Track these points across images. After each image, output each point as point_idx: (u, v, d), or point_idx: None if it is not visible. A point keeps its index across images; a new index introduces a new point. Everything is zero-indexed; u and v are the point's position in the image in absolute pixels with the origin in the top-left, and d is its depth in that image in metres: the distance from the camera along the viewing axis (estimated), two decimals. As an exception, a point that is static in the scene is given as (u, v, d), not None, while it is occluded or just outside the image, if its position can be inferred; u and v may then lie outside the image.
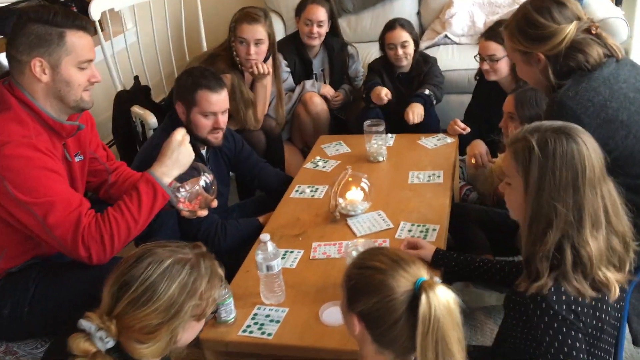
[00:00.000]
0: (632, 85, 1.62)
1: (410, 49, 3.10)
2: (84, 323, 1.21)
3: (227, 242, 2.24)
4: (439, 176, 2.40)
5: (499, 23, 2.68)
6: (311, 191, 2.41)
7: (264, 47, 2.81)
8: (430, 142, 2.73)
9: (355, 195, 2.20)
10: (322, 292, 1.82)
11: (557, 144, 1.33)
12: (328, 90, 3.35)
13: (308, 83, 3.29)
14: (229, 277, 1.98)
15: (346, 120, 3.49)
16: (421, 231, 2.05)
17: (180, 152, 1.82)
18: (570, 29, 1.61)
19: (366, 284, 1.20)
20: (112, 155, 2.10)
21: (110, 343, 1.21)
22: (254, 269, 1.83)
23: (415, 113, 2.92)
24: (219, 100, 2.21)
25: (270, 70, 2.86)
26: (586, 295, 1.30)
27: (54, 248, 1.72)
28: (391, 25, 3.11)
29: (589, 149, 1.33)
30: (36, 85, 1.69)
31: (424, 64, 3.20)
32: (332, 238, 2.08)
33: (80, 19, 1.71)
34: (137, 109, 2.95)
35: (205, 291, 1.27)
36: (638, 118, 1.59)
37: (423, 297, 1.12)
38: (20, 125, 1.66)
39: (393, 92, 3.21)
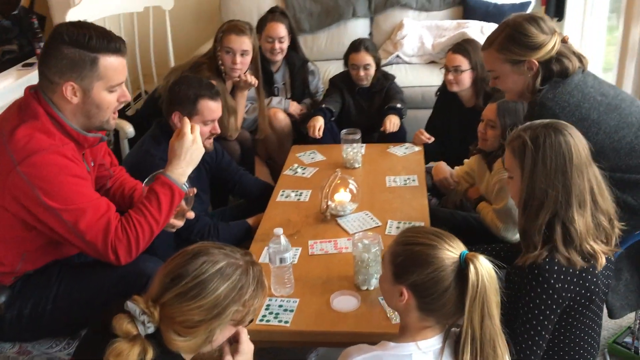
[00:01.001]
0: (598, 90, 1.89)
1: (372, 70, 3.31)
2: (130, 305, 1.25)
3: (219, 242, 2.31)
4: (414, 180, 2.61)
5: (467, 40, 2.97)
6: (296, 195, 2.54)
7: (249, 58, 2.94)
8: (399, 150, 2.94)
9: (343, 197, 2.35)
10: (327, 283, 1.95)
11: (547, 136, 1.57)
12: (295, 108, 3.50)
13: (275, 100, 3.42)
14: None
15: (306, 133, 3.65)
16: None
17: (193, 150, 1.87)
18: (556, 39, 1.87)
19: (417, 258, 1.33)
20: (115, 161, 2.14)
21: (151, 329, 1.25)
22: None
23: (393, 123, 3.12)
24: (218, 108, 2.32)
25: (257, 81, 2.99)
26: (577, 265, 1.53)
27: (81, 250, 1.75)
28: (356, 47, 3.30)
29: (575, 139, 1.58)
30: (66, 104, 1.71)
31: (385, 80, 3.42)
32: (326, 236, 2.21)
33: (115, 40, 1.72)
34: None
35: (249, 299, 1.31)
36: (606, 117, 1.84)
37: (471, 267, 1.28)
38: (47, 135, 1.68)
39: (353, 106, 3.42)
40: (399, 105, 3.26)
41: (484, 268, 1.28)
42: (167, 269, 1.29)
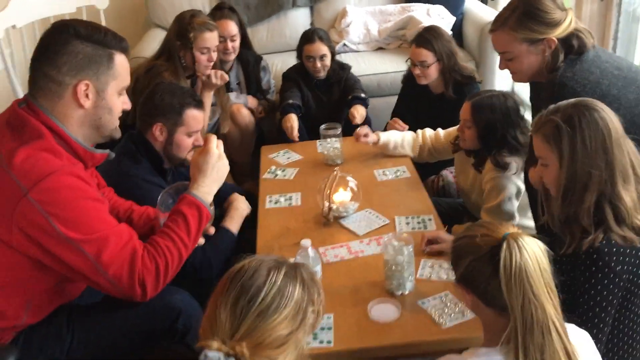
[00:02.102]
0: (613, 64, 1.85)
1: (328, 60, 3.16)
2: (210, 354, 1.07)
3: (214, 268, 2.07)
4: (404, 171, 2.50)
5: (427, 30, 2.88)
6: (286, 200, 2.36)
7: (216, 54, 2.75)
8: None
9: (344, 197, 2.20)
10: (356, 292, 1.80)
11: (581, 116, 1.49)
12: (253, 102, 3.29)
13: (232, 95, 3.20)
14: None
15: (263, 132, 3.45)
16: (418, 222, 2.12)
17: (220, 167, 1.71)
18: (572, 14, 1.81)
19: (457, 253, 1.30)
20: (102, 182, 1.89)
21: None
22: None
23: (360, 114, 2.99)
24: (202, 117, 2.15)
25: (227, 78, 2.78)
26: (634, 242, 1.47)
27: (100, 288, 1.51)
28: (310, 37, 3.14)
29: (608, 114, 1.51)
30: (73, 111, 1.49)
31: (341, 70, 3.29)
32: (335, 241, 2.06)
33: (124, 39, 1.54)
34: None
35: (317, 296, 1.22)
36: (625, 91, 1.81)
37: (504, 246, 1.18)
38: (54, 154, 1.45)
39: (312, 99, 3.26)
40: (363, 95, 3.15)
41: (522, 246, 1.19)
42: (231, 296, 1.14)
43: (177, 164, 2.17)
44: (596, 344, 1.44)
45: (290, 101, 3.07)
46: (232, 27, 3.15)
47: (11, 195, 1.40)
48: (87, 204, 1.47)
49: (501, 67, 1.99)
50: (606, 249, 1.45)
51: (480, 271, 1.23)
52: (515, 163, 2.19)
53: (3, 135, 1.46)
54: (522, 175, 2.25)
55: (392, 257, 1.74)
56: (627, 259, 1.46)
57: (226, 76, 2.77)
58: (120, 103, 1.57)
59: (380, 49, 3.90)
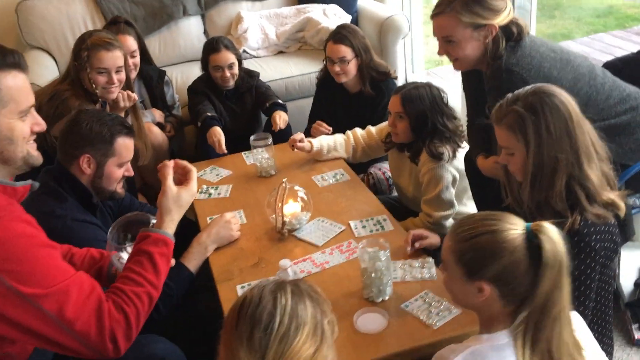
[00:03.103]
0: (548, 47, 1.94)
1: (236, 69, 3.05)
2: None
3: (162, 311, 1.83)
4: (343, 174, 2.46)
5: (342, 27, 2.86)
6: (230, 219, 2.22)
7: (124, 74, 2.48)
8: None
9: (294, 208, 2.11)
10: (335, 306, 1.62)
11: (543, 103, 1.53)
12: (160, 116, 3.08)
13: (138, 113, 2.96)
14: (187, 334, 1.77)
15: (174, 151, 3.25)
16: (374, 224, 2.09)
17: (181, 198, 1.58)
18: (510, 4, 1.86)
19: (487, 249, 1.24)
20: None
21: None
22: None
23: (282, 119, 2.91)
24: (132, 146, 1.96)
25: (136, 98, 2.54)
26: (608, 218, 1.54)
27: (66, 351, 1.29)
28: (215, 46, 3.00)
29: (566, 97, 1.56)
30: None
31: (250, 78, 3.18)
32: (296, 255, 1.96)
33: (10, 53, 1.29)
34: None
35: (325, 306, 1.16)
36: (563, 72, 1.90)
37: (543, 238, 1.20)
38: None
39: (225, 111, 3.13)
40: (280, 101, 3.07)
41: (554, 235, 1.21)
42: (244, 331, 1.06)
43: (107, 197, 1.97)
44: (584, 320, 1.49)
45: (209, 114, 2.91)
46: (131, 43, 2.93)
47: None
48: (40, 252, 1.27)
49: (440, 52, 2.01)
50: (585, 230, 1.50)
51: (519, 266, 1.22)
52: (447, 151, 2.23)
53: None
54: (455, 162, 2.30)
55: (370, 265, 1.68)
56: (603, 235, 1.53)
57: (134, 95, 2.56)
58: (27, 126, 1.34)
59: (280, 52, 3.84)
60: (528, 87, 1.60)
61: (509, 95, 1.60)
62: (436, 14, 1.94)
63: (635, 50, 2.36)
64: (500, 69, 1.88)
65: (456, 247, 1.29)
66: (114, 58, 2.43)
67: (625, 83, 1.98)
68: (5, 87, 1.27)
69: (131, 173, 1.99)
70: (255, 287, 1.13)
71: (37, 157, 1.37)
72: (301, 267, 1.90)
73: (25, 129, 1.32)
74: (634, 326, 2.08)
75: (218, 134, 2.78)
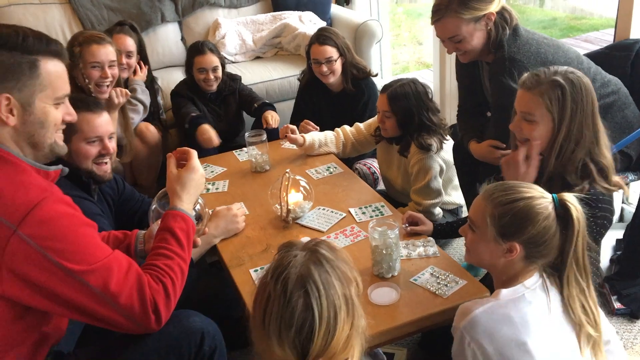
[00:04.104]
0: (539, 34, 2.12)
1: (220, 72, 3.14)
2: None
3: None
4: (336, 167, 2.57)
5: (324, 29, 2.99)
6: (232, 211, 2.29)
7: (116, 70, 2.53)
8: (287, 144, 2.77)
9: (297, 197, 2.21)
10: None
11: (578, 79, 1.68)
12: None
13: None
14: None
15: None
16: (373, 210, 2.20)
17: (199, 182, 1.68)
18: None
19: (525, 213, 1.39)
20: None
21: None
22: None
23: (274, 118, 3.01)
24: (102, 122, 1.96)
25: (129, 94, 2.60)
26: (612, 191, 1.70)
27: (109, 325, 1.36)
28: (200, 49, 3.08)
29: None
30: (1, 130, 1.30)
31: (233, 81, 3.27)
32: (302, 241, 2.06)
33: (54, 41, 1.35)
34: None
35: (348, 268, 1.20)
36: (557, 57, 2.07)
37: (571, 206, 1.40)
38: (29, 178, 1.27)
39: (209, 114, 3.20)
40: (267, 101, 3.17)
41: (578, 205, 1.40)
42: (272, 330, 1.10)
43: (88, 177, 1.98)
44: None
45: (194, 114, 2.98)
46: (129, 42, 2.98)
47: None
48: (83, 231, 1.32)
49: (450, 51, 2.16)
50: (594, 197, 1.65)
51: (549, 231, 1.39)
52: (435, 143, 2.38)
53: None
54: (442, 154, 2.44)
55: (380, 242, 1.79)
56: (606, 205, 1.68)
57: (127, 91, 2.61)
58: (59, 113, 1.39)
59: (257, 57, 3.93)
60: (564, 67, 1.73)
61: (545, 68, 1.72)
62: (437, 20, 2.09)
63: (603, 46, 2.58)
64: (503, 57, 2.05)
65: (494, 210, 1.42)
66: (106, 52, 2.49)
67: (604, 71, 2.18)
68: (46, 73, 1.32)
69: (109, 150, 1.98)
70: (275, 278, 1.12)
71: (62, 147, 1.43)
72: (310, 250, 1.99)
73: (58, 117, 1.38)
74: (613, 297, 2.26)
75: (208, 130, 2.86)
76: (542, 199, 1.41)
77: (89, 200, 1.97)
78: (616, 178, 1.72)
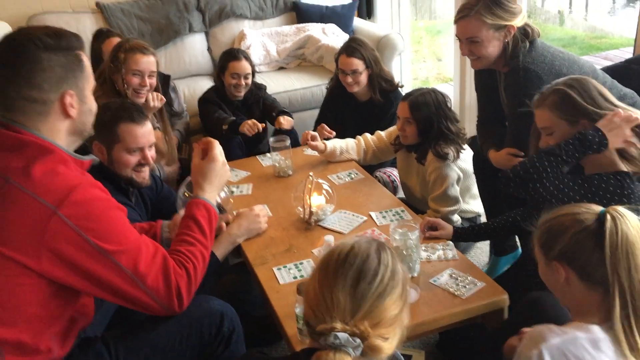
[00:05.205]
0: (555, 48, 2.19)
1: (250, 80, 3.24)
2: (340, 335, 1.09)
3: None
4: (357, 173, 2.63)
5: (353, 40, 3.06)
6: (256, 213, 2.36)
7: (154, 80, 2.65)
8: (309, 151, 2.82)
9: (320, 200, 2.27)
10: None
11: (579, 81, 1.76)
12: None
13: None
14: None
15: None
16: (394, 215, 2.25)
17: (222, 174, 1.78)
18: (524, 9, 2.10)
19: (556, 229, 1.31)
20: None
21: (359, 349, 1.11)
22: (285, 288, 1.86)
23: (287, 120, 3.12)
24: (144, 133, 2.04)
25: (164, 99, 2.71)
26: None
27: (135, 305, 1.45)
28: (236, 55, 3.19)
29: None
30: (61, 124, 1.41)
31: (258, 90, 3.36)
32: (323, 242, 2.11)
33: (79, 37, 1.46)
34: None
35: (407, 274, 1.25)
36: (572, 70, 2.12)
37: (607, 217, 1.26)
38: (66, 166, 1.37)
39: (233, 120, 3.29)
40: (284, 109, 3.27)
41: (624, 217, 1.26)
42: (348, 279, 1.14)
43: (128, 183, 2.07)
44: None
45: (233, 117, 3.09)
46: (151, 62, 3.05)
47: (38, 216, 1.30)
48: (115, 213, 1.43)
49: (464, 53, 2.22)
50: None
51: (583, 244, 1.26)
52: (452, 152, 2.43)
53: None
54: (459, 162, 2.50)
55: (401, 243, 1.85)
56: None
57: (162, 97, 2.72)
58: (94, 102, 1.52)
59: (281, 68, 4.02)
60: (565, 77, 1.80)
61: (548, 86, 1.80)
62: (461, 17, 2.16)
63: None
64: (517, 68, 2.11)
65: (538, 232, 1.36)
66: (148, 62, 2.62)
67: (620, 84, 2.22)
68: (86, 65, 1.44)
69: (149, 161, 2.07)
70: (358, 243, 1.19)
71: (92, 131, 1.55)
72: (331, 251, 2.05)
73: (95, 104, 1.50)
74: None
75: (248, 121, 2.99)
76: (584, 213, 1.29)
77: (128, 206, 2.04)
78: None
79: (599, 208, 1.31)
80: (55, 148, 1.37)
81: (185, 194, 1.84)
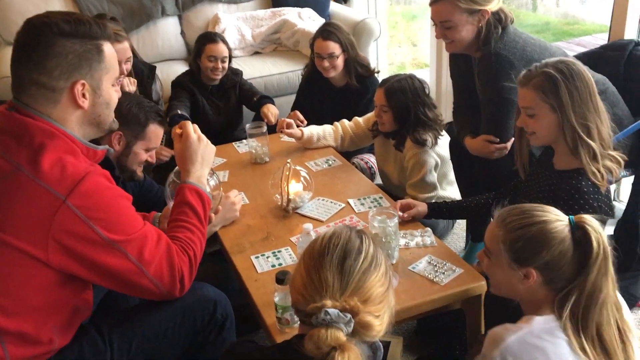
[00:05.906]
0: (527, 34, 2.18)
1: (227, 64, 3.18)
2: (330, 311, 1.10)
3: None
4: (334, 160, 2.61)
5: (329, 24, 3.03)
6: (232, 200, 2.33)
7: (130, 65, 2.67)
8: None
9: (297, 188, 2.25)
10: None
11: (569, 68, 1.72)
12: None
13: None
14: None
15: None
16: (372, 202, 2.25)
17: (203, 149, 1.74)
18: None
19: (539, 238, 1.33)
20: None
21: (351, 325, 1.12)
22: (263, 276, 1.85)
23: (273, 113, 3.06)
24: (161, 135, 2.13)
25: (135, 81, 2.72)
26: (614, 175, 1.74)
27: (139, 293, 1.46)
28: (213, 38, 3.13)
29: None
30: (71, 113, 1.39)
31: (234, 75, 3.30)
32: (302, 230, 2.09)
33: (107, 26, 1.43)
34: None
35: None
36: (543, 56, 2.10)
37: (589, 229, 1.31)
38: (74, 156, 1.36)
39: (209, 106, 3.23)
40: (266, 95, 3.22)
41: (597, 227, 1.32)
42: (334, 258, 1.16)
43: (126, 175, 2.07)
44: None
45: (179, 111, 3.00)
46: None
47: (47, 205, 1.29)
48: (121, 202, 1.42)
49: (438, 36, 2.21)
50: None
51: (565, 255, 1.31)
52: (429, 138, 2.43)
53: (7, 145, 1.32)
54: (437, 149, 2.50)
55: (380, 230, 1.84)
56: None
57: (135, 80, 2.70)
58: (115, 94, 1.49)
59: (256, 53, 3.97)
60: (551, 59, 1.77)
61: (537, 64, 1.77)
62: (435, 1, 2.14)
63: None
64: (489, 53, 2.10)
65: (506, 236, 1.37)
66: (123, 49, 2.58)
67: (592, 70, 2.24)
68: (108, 56, 1.41)
69: (153, 160, 2.13)
70: (338, 228, 1.24)
71: (116, 123, 1.54)
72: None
73: (115, 96, 1.47)
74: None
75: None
76: (558, 222, 1.34)
77: None
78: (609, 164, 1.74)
79: (563, 214, 1.37)
80: (64, 134, 1.35)
81: (175, 180, 1.81)
